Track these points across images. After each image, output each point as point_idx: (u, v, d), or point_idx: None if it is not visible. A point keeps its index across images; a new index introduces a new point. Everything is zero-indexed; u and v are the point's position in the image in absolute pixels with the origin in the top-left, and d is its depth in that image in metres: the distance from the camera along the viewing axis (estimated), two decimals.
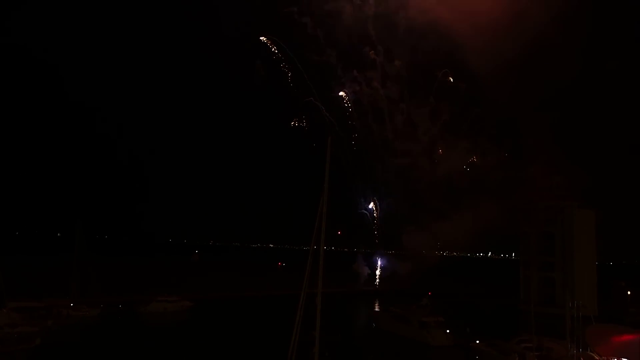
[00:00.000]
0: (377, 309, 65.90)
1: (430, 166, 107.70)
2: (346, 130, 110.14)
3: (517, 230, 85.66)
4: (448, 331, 50.95)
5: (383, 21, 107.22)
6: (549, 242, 79.66)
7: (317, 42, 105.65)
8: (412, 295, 71.72)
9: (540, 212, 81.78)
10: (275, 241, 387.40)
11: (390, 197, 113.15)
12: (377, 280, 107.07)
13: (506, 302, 79.17)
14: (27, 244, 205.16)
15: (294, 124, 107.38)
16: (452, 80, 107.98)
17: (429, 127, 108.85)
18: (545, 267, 79.09)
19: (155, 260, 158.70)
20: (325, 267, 21.22)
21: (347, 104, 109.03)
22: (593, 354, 38.13)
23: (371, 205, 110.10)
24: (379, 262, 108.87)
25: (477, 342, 46.29)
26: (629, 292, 75.22)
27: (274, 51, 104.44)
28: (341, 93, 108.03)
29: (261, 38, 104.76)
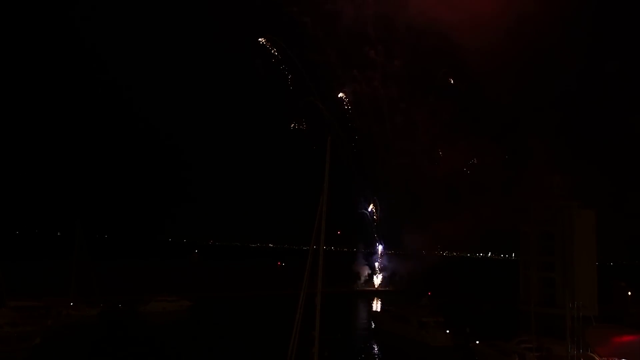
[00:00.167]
0: (376, 309, 65.92)
1: (431, 166, 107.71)
2: (346, 130, 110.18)
3: (517, 231, 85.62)
4: (448, 331, 50.89)
5: (383, 21, 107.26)
6: (549, 242, 79.56)
7: (318, 42, 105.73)
8: (411, 295, 71.75)
9: (540, 212, 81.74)
10: (275, 241, 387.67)
11: (391, 197, 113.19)
12: (378, 279, 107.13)
13: (506, 302, 79.09)
14: (27, 244, 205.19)
15: (294, 126, 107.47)
16: (452, 81, 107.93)
17: (429, 127, 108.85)
18: (545, 267, 79.00)
19: (154, 259, 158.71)
20: (325, 267, 21.18)
21: (347, 106, 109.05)
22: (593, 355, 38.07)
23: (370, 207, 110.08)
24: (380, 261, 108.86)
25: (477, 342, 46.23)
26: (629, 293, 75.13)
27: (273, 53, 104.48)
28: (341, 95, 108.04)
29: (260, 39, 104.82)
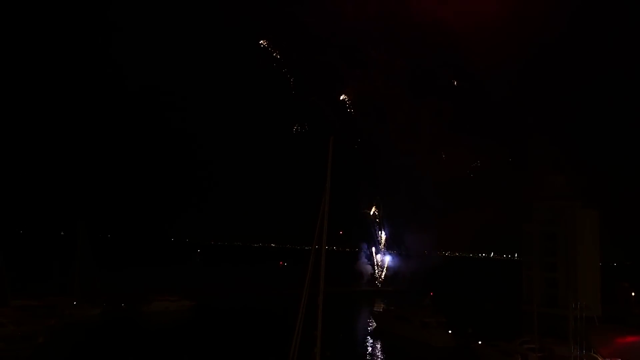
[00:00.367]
0: (378, 309, 65.88)
1: (433, 166, 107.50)
2: (348, 129, 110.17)
3: (519, 231, 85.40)
4: (450, 332, 50.83)
5: (385, 20, 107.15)
6: (551, 242, 79.31)
7: (320, 42, 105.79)
8: (414, 295, 71.67)
9: (543, 212, 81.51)
10: (277, 241, 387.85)
11: (393, 197, 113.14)
12: (381, 278, 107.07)
13: (508, 302, 78.91)
14: (31, 243, 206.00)
15: (297, 129, 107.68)
16: (455, 83, 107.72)
17: (432, 127, 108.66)
18: (548, 267, 78.75)
19: (157, 259, 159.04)
20: (327, 267, 21.18)
21: (350, 109, 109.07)
22: (596, 356, 37.94)
23: (373, 209, 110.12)
24: (385, 260, 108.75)
25: (479, 343, 46.16)
26: (632, 294, 74.83)
27: (275, 56, 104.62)
28: (343, 97, 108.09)
29: (260, 42, 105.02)
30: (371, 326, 61.61)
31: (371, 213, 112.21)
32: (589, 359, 37.53)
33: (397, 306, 60.60)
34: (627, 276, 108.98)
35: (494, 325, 59.08)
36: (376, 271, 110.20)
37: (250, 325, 57.85)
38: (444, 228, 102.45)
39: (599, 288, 73.41)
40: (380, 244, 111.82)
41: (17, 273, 58.99)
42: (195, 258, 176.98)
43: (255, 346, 46.04)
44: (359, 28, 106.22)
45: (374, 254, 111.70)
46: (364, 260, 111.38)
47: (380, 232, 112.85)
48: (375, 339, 55.44)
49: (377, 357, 49.69)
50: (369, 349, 51.31)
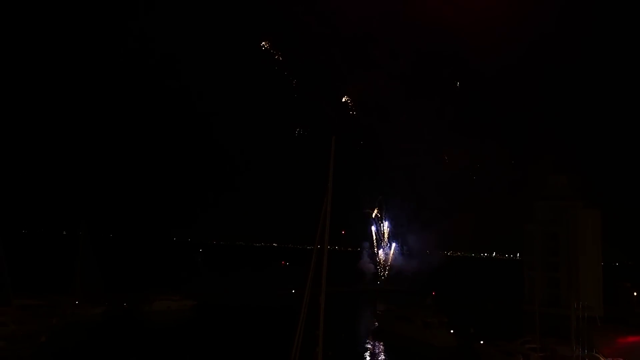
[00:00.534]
0: (380, 309, 65.87)
1: (436, 165, 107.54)
2: (351, 129, 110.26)
3: (521, 230, 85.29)
4: (452, 331, 50.80)
5: (388, 19, 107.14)
6: (553, 242, 79.18)
7: (322, 41, 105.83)
8: (415, 295, 71.64)
9: (545, 211, 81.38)
10: (279, 240, 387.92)
11: (395, 196, 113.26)
12: (383, 277, 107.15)
13: (510, 302, 78.81)
14: (33, 242, 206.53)
15: (299, 132, 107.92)
16: (458, 84, 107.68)
17: (434, 127, 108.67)
18: (549, 267, 78.64)
19: (159, 258, 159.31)
20: (329, 267, 21.21)
21: (352, 112, 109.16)
22: (598, 356, 37.89)
23: (375, 212, 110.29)
24: (390, 252, 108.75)
25: (481, 342, 46.14)
26: (634, 294, 74.62)
27: (277, 58, 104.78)
28: (344, 99, 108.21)
29: (262, 43, 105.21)
30: (373, 326, 61.60)
31: (374, 214, 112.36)
32: (591, 359, 37.48)
33: (399, 306, 60.54)
34: (629, 276, 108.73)
35: (495, 325, 59.03)
36: (379, 269, 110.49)
37: (251, 324, 57.91)
38: (446, 227, 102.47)
39: (600, 288, 73.25)
40: (382, 241, 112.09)
41: (19, 272, 59.08)
42: (197, 258, 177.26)
43: (256, 346, 46.09)
44: (362, 27, 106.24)
45: (376, 252, 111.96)
46: (366, 259, 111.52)
47: (382, 230, 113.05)
48: (376, 339, 55.44)
49: (379, 356, 49.69)
50: (371, 348, 51.31)
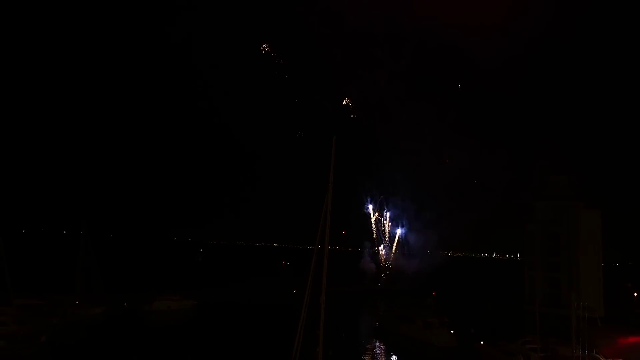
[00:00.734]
0: (381, 309, 65.83)
1: (437, 165, 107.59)
2: (352, 130, 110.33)
3: (522, 230, 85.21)
4: (452, 331, 50.77)
5: (389, 20, 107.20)
6: (554, 242, 79.09)
7: (324, 41, 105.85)
8: (416, 295, 71.56)
9: (546, 212, 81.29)
10: (280, 240, 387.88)
11: (397, 196, 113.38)
12: (385, 275, 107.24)
13: (511, 302, 78.77)
14: (34, 242, 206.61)
15: (300, 134, 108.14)
16: (460, 86, 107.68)
17: (436, 127, 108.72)
18: (550, 267, 78.57)
19: (159, 258, 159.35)
20: (330, 267, 21.21)
21: (353, 115, 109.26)
22: (599, 356, 37.87)
23: (375, 216, 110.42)
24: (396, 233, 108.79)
25: (482, 342, 46.11)
26: (635, 294, 74.58)
27: (278, 61, 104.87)
28: (345, 102, 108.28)
29: (262, 46, 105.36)
30: (373, 326, 61.57)
31: (374, 213, 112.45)
32: (591, 359, 37.45)
33: (400, 306, 60.47)
34: (629, 276, 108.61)
35: (496, 325, 58.96)
36: (381, 267, 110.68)
37: (252, 324, 57.91)
38: (447, 228, 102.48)
39: (601, 288, 73.19)
40: (384, 241, 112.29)
41: (19, 272, 59.10)
42: (198, 257, 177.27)
43: (257, 345, 46.09)
44: (364, 28, 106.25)
45: (377, 251, 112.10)
46: (367, 259, 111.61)
47: (383, 229, 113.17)
48: (377, 339, 55.40)
49: (379, 356, 49.68)
50: (371, 348, 51.28)
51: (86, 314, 55.09)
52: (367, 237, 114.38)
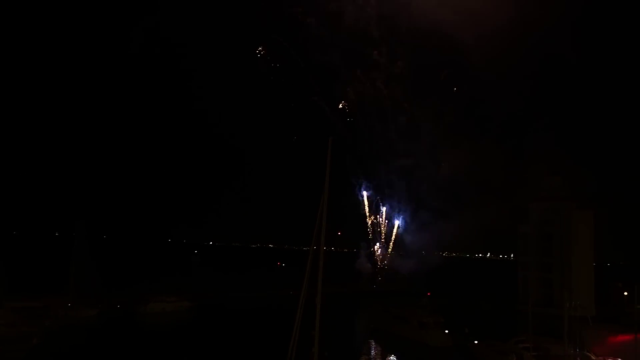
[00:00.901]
0: (376, 309, 66.00)
1: (433, 167, 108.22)
2: (349, 130, 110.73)
3: (515, 231, 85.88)
4: (447, 331, 51.06)
5: (386, 22, 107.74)
6: (547, 242, 79.82)
7: (322, 42, 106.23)
8: (411, 295, 71.84)
9: (539, 212, 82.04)
10: (275, 241, 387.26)
11: (393, 197, 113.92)
12: (380, 277, 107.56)
13: (504, 302, 79.32)
14: (25, 244, 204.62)
15: (296, 139, 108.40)
16: (455, 89, 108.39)
17: (433, 128, 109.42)
18: (543, 267, 79.25)
19: (154, 260, 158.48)
20: (325, 267, 21.31)
21: (350, 118, 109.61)
22: (590, 354, 38.31)
23: (372, 217, 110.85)
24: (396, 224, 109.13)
25: (476, 342, 46.44)
26: (625, 293, 75.38)
27: (274, 65, 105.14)
28: (342, 103, 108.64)
29: (257, 50, 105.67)
30: (369, 326, 61.73)
31: (370, 221, 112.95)
32: (583, 358, 37.89)
33: (395, 306, 60.69)
34: (620, 276, 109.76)
35: (490, 325, 59.33)
36: (377, 267, 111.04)
37: (248, 325, 57.83)
38: (442, 228, 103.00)
39: (593, 288, 73.97)
40: (380, 239, 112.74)
41: (12, 274, 58.62)
42: (193, 259, 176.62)
43: (253, 347, 46.06)
44: (361, 29, 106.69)
45: (373, 252, 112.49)
46: (363, 259, 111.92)
47: (379, 230, 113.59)
48: (372, 339, 55.57)
49: (375, 357, 49.84)
50: (367, 349, 51.44)
51: (79, 316, 54.69)
52: (363, 237, 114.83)
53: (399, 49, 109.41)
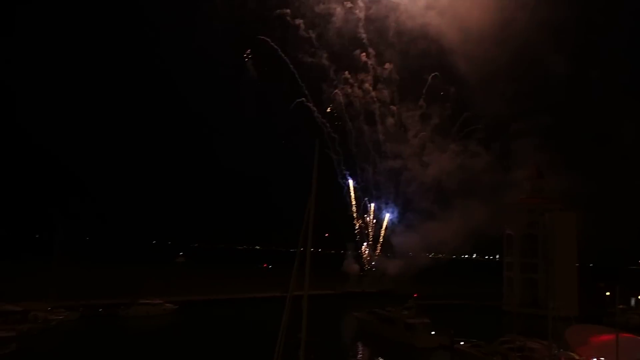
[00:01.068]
0: (363, 311, 66.04)
1: (421, 168, 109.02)
2: (337, 132, 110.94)
3: (502, 233, 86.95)
4: (433, 333, 51.30)
5: (374, 24, 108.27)
6: (531, 244, 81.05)
7: (310, 44, 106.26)
8: (398, 297, 72.06)
9: (524, 214, 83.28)
10: (262, 243, 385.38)
11: (381, 198, 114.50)
12: (366, 276, 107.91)
13: (490, 303, 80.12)
14: (4, 246, 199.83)
15: (284, 143, 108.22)
16: (442, 93, 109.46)
17: (420, 130, 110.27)
18: (528, 268, 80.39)
19: (139, 262, 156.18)
20: (312, 269, 21.12)
21: (337, 122, 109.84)
22: (573, 354, 38.82)
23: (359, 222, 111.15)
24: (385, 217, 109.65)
25: (462, 343, 46.74)
26: (607, 293, 76.77)
27: (259, 69, 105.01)
28: (328, 109, 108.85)
29: (244, 55, 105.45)
30: (355, 328, 61.67)
31: (358, 224, 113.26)
32: (566, 357, 38.37)
33: (382, 308, 60.80)
34: (602, 277, 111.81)
35: (475, 326, 59.81)
36: (365, 268, 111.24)
37: (233, 328, 57.26)
38: (429, 230, 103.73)
39: (576, 288, 75.22)
40: (368, 242, 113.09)
41: None
42: (178, 261, 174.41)
43: (238, 349, 45.58)
44: (349, 32, 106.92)
45: (360, 253, 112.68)
46: (350, 260, 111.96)
47: (367, 232, 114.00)
48: (359, 341, 55.52)
49: (361, 358, 49.77)
50: (353, 351, 51.34)
51: (60, 320, 53.40)
52: (350, 238, 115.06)
53: (387, 51, 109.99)
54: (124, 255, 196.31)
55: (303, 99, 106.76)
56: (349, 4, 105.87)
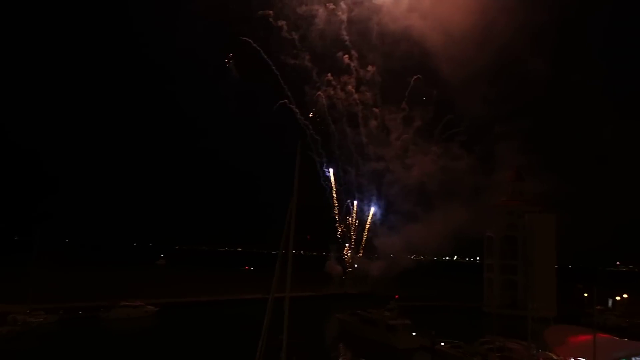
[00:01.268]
0: (344, 313, 66.31)
1: (403, 171, 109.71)
2: (320, 134, 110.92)
3: (482, 235, 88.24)
4: (414, 334, 51.80)
5: (356, 26, 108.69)
6: (511, 245, 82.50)
7: (293, 46, 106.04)
8: (379, 298, 72.49)
9: (504, 216, 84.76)
10: (244, 245, 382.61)
11: (363, 201, 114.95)
12: (348, 279, 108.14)
13: (471, 304, 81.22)
14: None
15: (269, 141, 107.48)
16: (425, 98, 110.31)
17: (402, 132, 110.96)
18: (507, 270, 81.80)
19: (119, 264, 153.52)
20: (294, 271, 21.18)
21: (320, 127, 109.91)
22: (552, 354, 39.66)
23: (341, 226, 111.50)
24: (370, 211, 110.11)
25: (442, 344, 47.32)
26: (585, 294, 78.60)
27: (235, 75, 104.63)
28: (311, 114, 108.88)
29: (225, 61, 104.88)
30: (337, 329, 61.82)
31: (340, 217, 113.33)
32: (545, 357, 39.19)
33: (363, 309, 61.10)
34: (580, 278, 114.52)
35: (456, 327, 60.58)
36: (347, 270, 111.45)
37: (215, 330, 56.81)
38: (411, 232, 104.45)
39: (555, 289, 76.79)
40: (350, 243, 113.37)
41: None
42: (159, 263, 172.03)
43: (220, 352, 45.25)
44: (331, 34, 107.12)
45: (343, 255, 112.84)
46: (332, 262, 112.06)
47: (349, 235, 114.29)
48: (341, 342, 55.67)
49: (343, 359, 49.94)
50: (335, 352, 51.46)
51: (39, 323, 52.21)
52: (332, 240, 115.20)
53: (369, 54, 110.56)
54: (105, 257, 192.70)
55: (286, 100, 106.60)
56: (331, 6, 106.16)
